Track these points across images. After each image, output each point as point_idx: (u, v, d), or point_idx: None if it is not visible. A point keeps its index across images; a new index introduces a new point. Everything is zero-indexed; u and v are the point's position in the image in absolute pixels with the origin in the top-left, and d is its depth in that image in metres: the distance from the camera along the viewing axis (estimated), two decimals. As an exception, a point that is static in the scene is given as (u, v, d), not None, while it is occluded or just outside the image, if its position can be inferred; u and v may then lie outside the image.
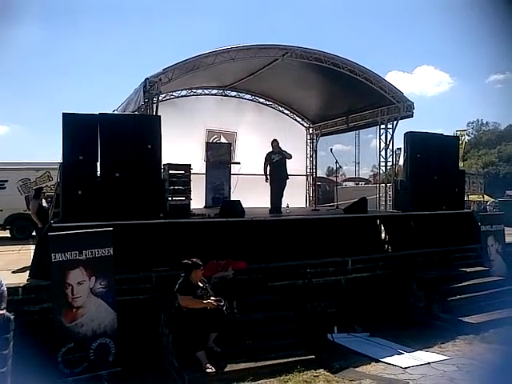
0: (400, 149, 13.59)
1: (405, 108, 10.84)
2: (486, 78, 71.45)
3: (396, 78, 71.55)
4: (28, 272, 6.60)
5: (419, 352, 6.31)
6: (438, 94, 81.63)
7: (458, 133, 24.91)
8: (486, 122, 61.58)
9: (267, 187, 10.17)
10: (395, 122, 11.35)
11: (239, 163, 12.01)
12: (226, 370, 5.30)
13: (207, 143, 12.50)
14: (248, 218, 8.17)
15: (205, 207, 11.36)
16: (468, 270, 8.73)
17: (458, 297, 7.70)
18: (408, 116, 11.05)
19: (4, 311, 5.14)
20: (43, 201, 8.84)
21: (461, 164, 15.60)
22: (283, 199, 10.21)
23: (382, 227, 9.47)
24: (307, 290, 7.03)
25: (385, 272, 8.41)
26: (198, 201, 10.46)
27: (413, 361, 5.98)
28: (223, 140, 13.24)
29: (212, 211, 9.23)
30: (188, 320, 5.38)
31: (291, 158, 10.11)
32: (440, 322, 7.42)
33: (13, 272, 6.70)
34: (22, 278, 6.36)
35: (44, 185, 12.41)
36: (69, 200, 6.78)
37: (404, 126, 11.57)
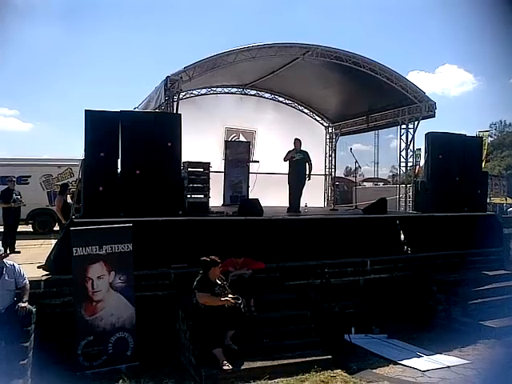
0: (420, 149, 13.45)
1: (426, 108, 10.70)
2: (510, 77, 69.76)
3: (417, 78, 70.59)
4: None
5: (438, 355, 6.20)
6: (462, 93, 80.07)
7: (481, 134, 24.43)
8: (510, 124, 60.20)
9: (286, 186, 10.15)
10: (416, 122, 11.22)
11: (258, 162, 12.00)
12: (242, 367, 5.30)
13: (226, 141, 12.53)
14: (266, 217, 8.16)
15: (223, 205, 11.40)
16: (490, 273, 8.56)
17: (480, 300, 7.55)
18: (430, 116, 10.90)
19: (26, 304, 5.24)
20: (68, 197, 8.95)
21: (483, 165, 15.33)
22: (301, 199, 10.18)
23: (402, 228, 9.35)
24: (325, 290, 6.99)
25: (404, 273, 8.31)
26: (216, 199, 10.52)
27: (432, 364, 5.89)
28: (242, 138, 13.27)
29: (230, 209, 9.25)
30: (206, 317, 5.40)
31: (311, 166, 10.05)
32: (460, 326, 7.29)
33: (38, 267, 6.83)
34: (45, 273, 6.48)
35: (66, 181, 12.62)
36: (90, 196, 6.87)
37: (425, 126, 11.45)
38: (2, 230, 9.42)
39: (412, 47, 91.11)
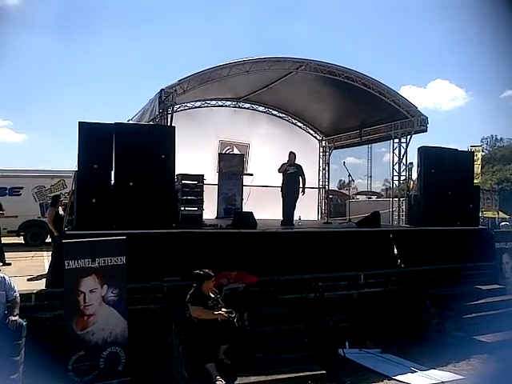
0: (413, 163, 13.54)
1: (419, 122, 10.82)
2: (501, 93, 70.79)
3: (409, 93, 71.47)
4: (43, 280, 6.63)
5: (433, 370, 6.16)
6: (453, 108, 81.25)
7: (473, 148, 24.69)
8: (501, 138, 60.98)
9: (279, 199, 10.16)
10: (409, 137, 11.33)
11: (252, 175, 12.03)
12: (235, 383, 5.22)
13: (220, 154, 12.56)
14: (260, 230, 8.15)
15: (217, 218, 11.37)
16: (483, 287, 8.55)
17: (473, 315, 7.54)
18: (422, 130, 11.03)
19: (17, 317, 5.14)
20: (60, 209, 8.88)
21: (475, 180, 15.46)
22: (295, 212, 10.19)
23: (395, 242, 9.37)
24: (319, 304, 6.97)
25: (397, 287, 8.29)
26: (210, 211, 10.49)
27: (426, 379, 5.85)
28: (236, 151, 13.32)
29: (224, 222, 9.23)
30: (198, 331, 5.34)
31: (305, 180, 10.10)
32: (454, 340, 7.26)
33: (28, 280, 6.74)
34: (37, 286, 6.40)
35: (58, 192, 12.54)
36: (83, 208, 6.82)
37: (418, 141, 11.56)
38: None
39: (404, 62, 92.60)
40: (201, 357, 5.28)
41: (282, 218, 10.03)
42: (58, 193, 12.17)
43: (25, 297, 5.72)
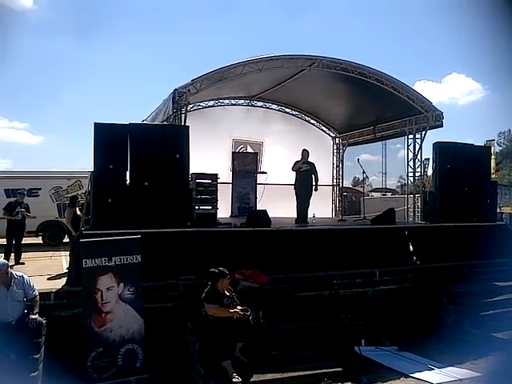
0: (428, 159, 13.42)
1: (434, 118, 10.69)
2: (518, 85, 69.39)
3: (424, 88, 70.37)
4: (62, 279, 6.76)
5: (450, 368, 6.11)
6: (470, 103, 79.59)
7: (488, 143, 24.34)
8: (519, 132, 59.82)
9: (293, 197, 10.15)
10: (424, 132, 11.20)
11: (265, 173, 12.03)
12: (251, 380, 5.27)
13: (233, 153, 12.59)
14: (274, 228, 8.16)
15: (231, 216, 11.42)
16: (500, 284, 8.43)
17: (491, 312, 7.45)
18: (437, 126, 10.89)
19: (36, 316, 5.27)
20: (77, 209, 9.02)
21: (493, 175, 15.24)
22: (309, 209, 10.18)
23: (410, 239, 9.29)
24: (334, 301, 6.95)
25: (413, 284, 8.24)
26: (224, 210, 10.53)
27: (444, 377, 5.81)
28: (250, 150, 13.32)
29: (238, 220, 9.27)
30: (214, 329, 5.39)
31: (317, 177, 10.09)
32: (471, 338, 7.17)
33: (48, 279, 6.87)
34: (56, 285, 6.52)
35: (75, 193, 12.72)
36: (99, 208, 6.93)
37: (433, 136, 11.44)
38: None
39: (418, 57, 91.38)
40: (217, 354, 5.33)
41: (295, 216, 10.03)
42: (74, 193, 12.34)
43: (44, 296, 5.85)
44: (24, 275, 5.49)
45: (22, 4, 72.87)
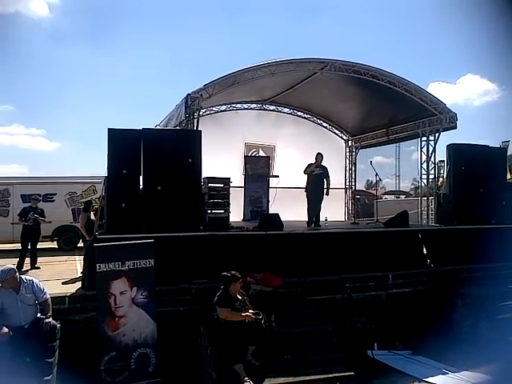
0: (442, 161, 13.27)
1: (447, 119, 10.57)
2: (535, 85, 68.14)
3: (439, 89, 69.61)
4: (76, 283, 6.86)
5: (465, 372, 6.04)
6: (485, 103, 78.44)
7: (504, 144, 23.94)
8: (536, 133, 58.84)
9: (305, 201, 10.13)
10: (437, 134, 11.09)
11: (278, 176, 12.03)
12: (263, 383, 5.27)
13: (246, 157, 12.62)
14: (286, 232, 8.16)
15: (243, 220, 11.43)
16: (516, 287, 8.31)
17: (507, 315, 7.34)
18: (451, 127, 10.76)
19: (50, 319, 5.33)
20: (91, 214, 9.13)
21: (509, 176, 15.00)
22: (321, 212, 10.15)
23: (424, 241, 9.21)
24: (347, 305, 6.91)
25: (427, 288, 8.17)
26: (236, 214, 10.55)
27: (458, 381, 5.76)
28: (262, 154, 13.33)
29: (250, 224, 9.28)
30: (226, 332, 5.40)
31: (329, 182, 10.08)
32: (487, 341, 7.07)
33: (63, 283, 6.97)
34: (70, 289, 6.61)
35: (89, 198, 12.87)
36: (113, 212, 7.01)
37: (447, 138, 11.31)
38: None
39: (433, 58, 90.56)
40: (229, 358, 5.34)
41: (307, 220, 10.01)
42: (88, 198, 12.49)
43: (58, 300, 5.94)
44: (34, 279, 5.52)
45: (38, 13, 74.24)
